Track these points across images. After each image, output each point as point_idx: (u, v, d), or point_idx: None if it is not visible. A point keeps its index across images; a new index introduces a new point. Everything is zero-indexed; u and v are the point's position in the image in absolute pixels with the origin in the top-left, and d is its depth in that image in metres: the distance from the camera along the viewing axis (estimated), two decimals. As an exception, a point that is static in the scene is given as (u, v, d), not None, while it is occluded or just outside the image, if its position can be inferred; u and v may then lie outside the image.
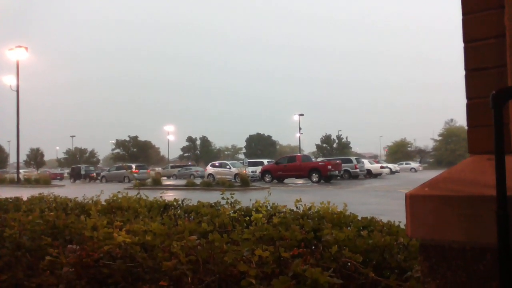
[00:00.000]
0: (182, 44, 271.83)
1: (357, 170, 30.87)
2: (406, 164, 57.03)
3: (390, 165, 44.84)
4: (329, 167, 26.23)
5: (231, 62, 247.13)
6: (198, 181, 26.81)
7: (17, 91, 32.08)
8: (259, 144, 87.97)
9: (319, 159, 38.00)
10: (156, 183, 24.76)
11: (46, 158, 77.99)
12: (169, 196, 5.41)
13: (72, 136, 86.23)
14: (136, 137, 78.32)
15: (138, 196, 4.50)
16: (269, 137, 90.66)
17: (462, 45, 1.41)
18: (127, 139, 78.21)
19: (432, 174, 2.29)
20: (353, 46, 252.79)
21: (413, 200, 1.29)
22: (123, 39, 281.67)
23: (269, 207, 3.41)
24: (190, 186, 23.24)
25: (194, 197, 4.88)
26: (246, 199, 4.03)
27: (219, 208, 3.60)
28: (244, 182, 22.02)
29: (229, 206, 3.60)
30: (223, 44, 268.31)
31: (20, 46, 32.30)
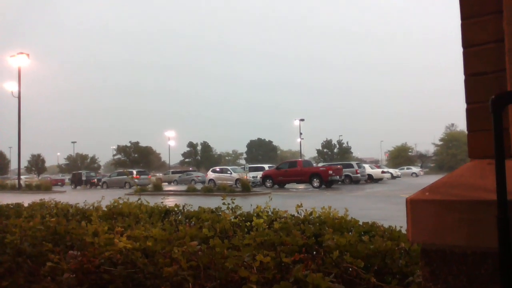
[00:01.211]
0: (184, 52, 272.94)
1: (358, 175, 30.83)
2: (407, 169, 56.95)
3: (391, 170, 44.74)
4: (330, 172, 26.18)
5: (232, 69, 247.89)
6: (199, 186, 26.78)
7: (19, 97, 32.19)
8: (260, 149, 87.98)
9: (320, 164, 37.96)
10: (157, 189, 24.73)
11: (47, 164, 78.07)
12: (170, 201, 5.41)
13: (73, 142, 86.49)
14: (137, 142, 78.31)
15: (139, 202, 4.50)
16: (270, 142, 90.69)
17: (461, 50, 1.42)
18: (128, 144, 78.21)
19: (433, 178, 2.28)
20: (354, 53, 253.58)
21: (414, 205, 1.29)
22: (125, 47, 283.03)
23: (270, 213, 3.41)
24: (191, 191, 23.21)
25: (195, 203, 4.87)
26: (247, 204, 4.03)
27: (220, 213, 3.60)
28: (245, 188, 21.99)
29: (230, 211, 3.60)
30: (224, 52, 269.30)
31: (21, 53, 32.46)
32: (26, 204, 5.38)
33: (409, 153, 79.02)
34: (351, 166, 31.53)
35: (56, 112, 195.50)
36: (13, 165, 72.37)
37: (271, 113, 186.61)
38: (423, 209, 1.27)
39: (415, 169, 57.04)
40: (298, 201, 3.57)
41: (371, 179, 33.72)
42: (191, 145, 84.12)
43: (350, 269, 1.93)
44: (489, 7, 1.36)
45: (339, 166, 28.60)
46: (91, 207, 4.65)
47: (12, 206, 5.24)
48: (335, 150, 76.51)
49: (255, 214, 3.34)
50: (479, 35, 1.38)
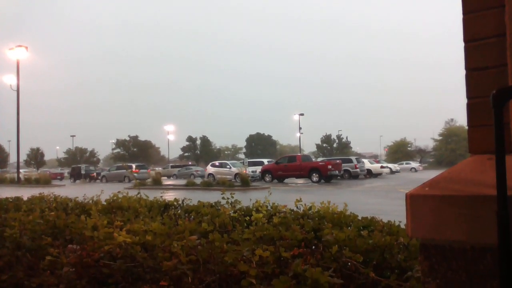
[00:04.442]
0: (183, 47, 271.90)
1: (357, 170, 30.87)
2: (406, 164, 57.03)
3: (390, 165, 44.86)
4: (329, 167, 26.22)
5: (232, 64, 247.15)
6: (198, 181, 26.81)
7: (17, 90, 32.11)
8: (259, 144, 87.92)
9: (319, 159, 37.99)
10: (156, 183, 24.76)
11: (46, 158, 77.90)
12: (169, 196, 5.41)
13: (72, 136, 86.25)
14: (136, 136, 78.31)
15: (139, 196, 4.50)
16: (269, 137, 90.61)
17: (462, 44, 1.41)
18: (127, 138, 78.22)
19: (433, 174, 2.29)
20: (353, 49, 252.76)
21: (414, 200, 1.28)
22: (124, 41, 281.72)
23: (269, 207, 3.41)
24: (190, 186, 23.24)
25: (195, 197, 4.88)
26: (247, 199, 4.03)
27: (220, 208, 3.60)
28: (244, 182, 22.02)
29: (230, 206, 3.60)
30: (223, 46, 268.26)
31: (20, 46, 32.33)
32: (25, 198, 5.37)
33: (408, 148, 79.05)
34: (350, 161, 31.55)
35: (55, 106, 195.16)
36: (12, 159, 72.31)
37: (270, 108, 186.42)
38: (422, 204, 1.27)
39: (414, 164, 57.10)
40: (297, 196, 3.57)
41: (370, 174, 33.76)
42: (190, 139, 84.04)
43: (349, 263, 1.93)
44: (491, 1, 1.35)
45: (338, 161, 28.63)
46: (91, 201, 4.65)
47: (11, 200, 5.24)
48: (335, 145, 76.63)
49: (255, 209, 3.35)
50: (481, 29, 1.37)
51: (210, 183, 22.91)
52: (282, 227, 2.51)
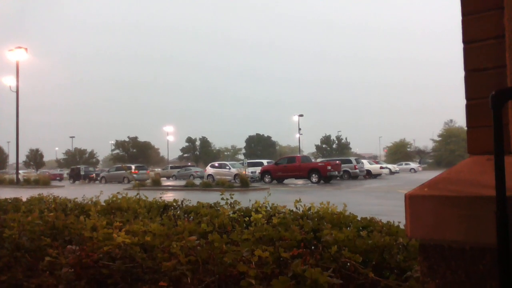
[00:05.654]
0: (182, 46, 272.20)
1: (357, 170, 30.89)
2: (406, 164, 57.08)
3: (389, 166, 44.87)
4: (329, 167, 26.22)
5: (231, 64, 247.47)
6: (197, 181, 26.78)
7: (17, 92, 32.07)
8: (258, 145, 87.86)
9: (319, 160, 37.99)
10: (156, 184, 24.74)
11: (45, 159, 77.97)
12: (168, 196, 5.41)
13: (72, 137, 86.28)
14: (135, 137, 78.35)
15: (138, 196, 4.49)
16: (269, 137, 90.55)
17: (461, 46, 1.42)
18: (127, 139, 78.23)
19: (432, 174, 2.29)
20: (352, 49, 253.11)
21: (413, 201, 1.29)
22: (123, 41, 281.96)
23: (268, 208, 3.41)
24: (189, 186, 23.22)
25: (194, 198, 4.88)
26: (246, 199, 4.03)
27: (219, 208, 3.60)
28: (244, 183, 22.00)
29: (229, 206, 3.60)
30: (223, 46, 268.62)
31: (19, 47, 32.28)
32: (24, 199, 5.37)
33: (408, 149, 79.19)
34: (349, 161, 31.58)
35: (54, 107, 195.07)
36: (11, 160, 72.26)
37: (270, 109, 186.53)
38: (421, 204, 1.27)
39: (413, 165, 57.15)
40: (297, 197, 3.58)
41: (369, 174, 33.78)
42: (189, 140, 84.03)
43: (348, 264, 1.93)
44: (490, 3, 1.36)
45: (337, 162, 28.63)
46: (90, 202, 4.65)
47: (10, 201, 5.23)
48: (334, 146, 76.74)
49: (254, 209, 3.34)
50: (480, 31, 1.37)
51: (210, 184, 22.90)
52: (281, 228, 2.51)
